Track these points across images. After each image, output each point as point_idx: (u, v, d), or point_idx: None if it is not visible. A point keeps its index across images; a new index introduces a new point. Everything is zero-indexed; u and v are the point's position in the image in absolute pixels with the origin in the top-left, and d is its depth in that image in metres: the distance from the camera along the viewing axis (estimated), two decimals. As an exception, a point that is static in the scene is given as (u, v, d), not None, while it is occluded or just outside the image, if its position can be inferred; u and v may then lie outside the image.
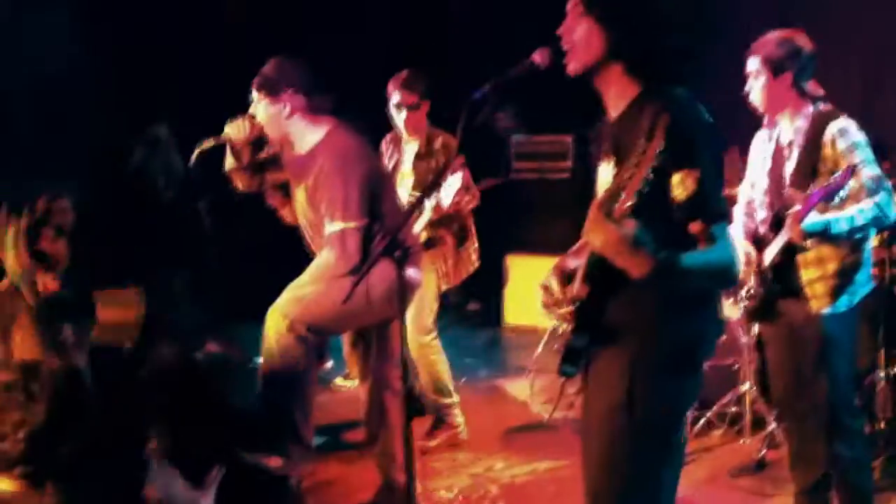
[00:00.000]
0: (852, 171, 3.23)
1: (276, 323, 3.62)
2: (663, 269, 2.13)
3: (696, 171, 2.19)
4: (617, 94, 2.38)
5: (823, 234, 3.31)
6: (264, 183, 3.94)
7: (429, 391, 4.69)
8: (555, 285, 2.48)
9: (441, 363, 4.68)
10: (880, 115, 5.55)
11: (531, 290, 6.61)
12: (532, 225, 7.41)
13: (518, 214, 7.52)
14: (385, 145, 4.84)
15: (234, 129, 3.77)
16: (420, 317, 4.59)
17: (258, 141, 3.85)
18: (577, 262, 2.44)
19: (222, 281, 6.28)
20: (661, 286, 2.21)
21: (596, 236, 2.15)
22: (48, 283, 3.62)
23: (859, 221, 3.30)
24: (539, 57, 2.44)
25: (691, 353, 2.37)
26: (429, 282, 4.56)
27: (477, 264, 4.83)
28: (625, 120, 2.35)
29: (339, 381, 5.66)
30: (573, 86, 2.49)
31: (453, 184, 4.38)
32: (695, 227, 2.23)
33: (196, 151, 3.80)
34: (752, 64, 3.48)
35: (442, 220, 4.55)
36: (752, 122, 3.74)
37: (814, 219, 3.28)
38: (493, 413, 5.30)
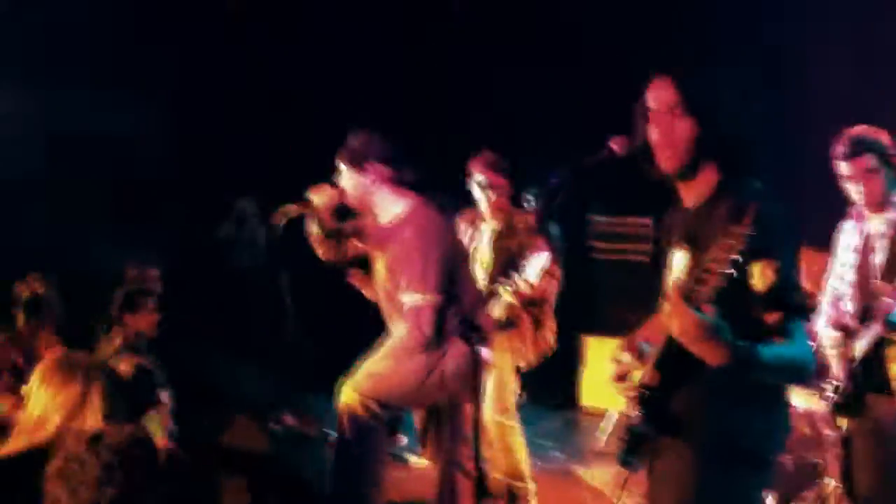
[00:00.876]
0: None
1: (348, 397, 3.65)
2: (741, 359, 2.11)
3: (777, 262, 2.17)
4: (699, 188, 2.40)
5: None
6: (346, 253, 4.01)
7: (506, 474, 4.62)
8: (627, 359, 2.46)
9: (520, 446, 4.62)
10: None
11: (607, 373, 6.54)
12: (610, 307, 7.34)
13: (596, 295, 7.46)
14: (463, 224, 4.88)
15: (319, 196, 3.87)
16: (499, 397, 4.55)
17: (342, 211, 3.93)
18: (646, 342, 2.42)
19: (301, 353, 6.37)
20: (733, 379, 2.18)
21: (675, 321, 2.13)
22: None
23: None
24: (616, 145, 2.48)
25: (760, 450, 2.33)
26: (505, 361, 4.53)
27: (554, 346, 4.79)
28: (703, 210, 2.36)
29: (413, 458, 5.62)
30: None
31: (537, 264, 4.37)
32: (771, 318, 2.21)
33: (281, 217, 3.89)
34: (868, 161, 3.43)
35: (524, 303, 4.53)
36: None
37: None
38: (568, 500, 5.18)
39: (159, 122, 6.74)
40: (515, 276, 4.36)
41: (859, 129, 3.51)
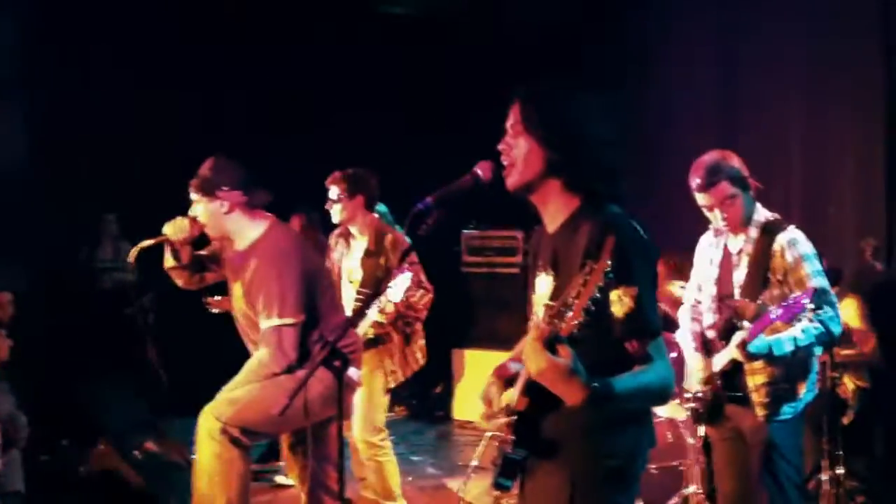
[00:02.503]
0: (812, 292, 3.29)
1: (209, 425, 3.54)
2: (597, 397, 2.16)
3: (634, 288, 2.23)
4: (555, 209, 2.42)
5: (768, 357, 3.37)
6: (205, 280, 3.92)
7: (377, 493, 4.58)
8: (495, 396, 2.48)
9: (390, 465, 4.58)
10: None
11: (479, 386, 6.57)
12: (480, 320, 7.43)
13: (467, 309, 7.52)
14: (334, 239, 4.84)
15: (173, 229, 3.76)
16: (369, 417, 4.51)
17: (197, 240, 3.84)
18: (517, 367, 2.44)
19: (163, 376, 6.18)
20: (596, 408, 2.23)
21: (532, 363, 2.17)
22: None
23: (803, 342, 3.36)
24: (482, 171, 2.49)
25: (628, 467, 2.37)
26: (375, 380, 4.51)
27: (423, 362, 4.78)
28: (563, 234, 2.38)
29: (279, 478, 5.52)
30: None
31: (402, 283, 4.36)
32: (631, 346, 2.26)
33: (134, 251, 3.79)
34: (725, 189, 3.50)
35: (392, 320, 4.52)
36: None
37: (759, 342, 3.34)
38: None
39: (11, 138, 6.46)
40: (382, 296, 4.35)
41: (711, 157, 3.55)
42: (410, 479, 5.41)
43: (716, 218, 3.55)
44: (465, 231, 7.62)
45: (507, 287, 7.28)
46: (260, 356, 3.57)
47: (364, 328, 4.43)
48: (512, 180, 2.40)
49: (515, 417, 2.34)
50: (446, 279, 6.80)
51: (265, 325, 3.53)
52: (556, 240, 2.41)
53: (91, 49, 6.99)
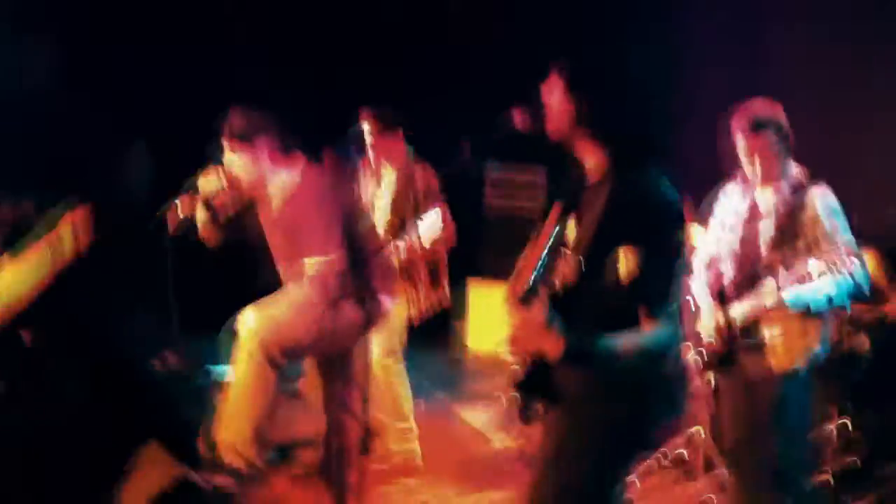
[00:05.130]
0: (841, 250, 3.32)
1: (250, 343, 3.61)
2: (577, 352, 2.25)
3: (639, 249, 2.30)
4: (592, 163, 2.53)
5: (805, 309, 3.39)
6: (239, 232, 3.94)
7: (389, 414, 4.70)
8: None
9: (402, 387, 4.70)
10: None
11: (493, 317, 6.66)
12: (499, 252, 7.46)
13: (485, 242, 7.57)
14: (364, 170, 4.88)
15: (209, 182, 3.79)
16: (388, 340, 4.62)
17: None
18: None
19: (179, 292, 6.23)
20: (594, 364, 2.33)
21: (511, 318, 2.28)
22: None
23: (836, 295, 3.37)
24: (519, 120, 2.57)
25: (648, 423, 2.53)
26: (398, 308, 4.59)
27: (446, 302, 4.86)
28: (591, 191, 2.49)
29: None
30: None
31: (432, 221, 4.41)
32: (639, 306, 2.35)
33: (174, 213, 3.81)
34: (768, 138, 3.52)
35: (419, 253, 4.58)
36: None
37: (795, 294, 3.36)
38: (449, 440, 5.33)
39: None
40: (411, 232, 4.43)
41: (759, 104, 3.58)
42: (422, 404, 5.51)
43: (751, 167, 3.55)
44: (489, 166, 7.64)
45: (528, 223, 7.29)
46: (303, 289, 3.64)
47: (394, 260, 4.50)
48: (554, 134, 2.53)
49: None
50: (468, 212, 6.89)
51: (310, 266, 3.60)
52: (584, 193, 2.52)
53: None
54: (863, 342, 4.82)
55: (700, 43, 6.17)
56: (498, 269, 7.36)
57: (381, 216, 4.73)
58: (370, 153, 4.73)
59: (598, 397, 2.47)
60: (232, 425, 3.63)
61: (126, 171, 7.18)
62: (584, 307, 2.36)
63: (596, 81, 2.53)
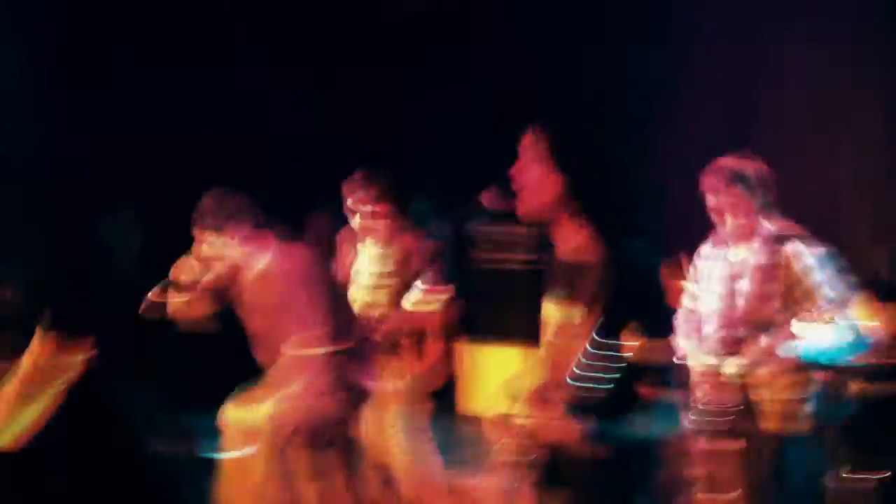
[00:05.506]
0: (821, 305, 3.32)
1: (235, 436, 3.61)
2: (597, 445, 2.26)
3: (641, 325, 2.30)
4: (567, 237, 2.47)
5: (797, 365, 3.40)
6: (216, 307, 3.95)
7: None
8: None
9: (398, 464, 4.62)
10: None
11: (484, 380, 6.60)
12: (488, 314, 7.43)
13: (474, 303, 7.53)
14: (340, 241, 4.86)
15: (183, 272, 3.83)
16: (378, 418, 4.54)
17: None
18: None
19: (175, 370, 6.19)
20: None
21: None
22: None
23: (832, 355, 3.39)
24: (487, 200, 2.55)
25: None
26: (392, 386, 4.55)
27: (440, 365, 4.79)
28: (578, 268, 2.44)
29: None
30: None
31: (418, 289, 4.39)
32: (642, 389, 2.33)
33: (150, 308, 3.85)
34: (738, 194, 3.56)
35: (403, 328, 4.55)
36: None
37: (788, 350, 3.39)
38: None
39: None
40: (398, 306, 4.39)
41: (730, 160, 3.62)
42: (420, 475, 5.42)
43: (723, 223, 3.57)
44: (473, 223, 7.63)
45: (514, 282, 7.30)
46: (286, 375, 3.62)
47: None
48: (524, 205, 2.45)
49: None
50: (453, 273, 6.87)
51: (293, 353, 3.58)
52: (569, 271, 2.48)
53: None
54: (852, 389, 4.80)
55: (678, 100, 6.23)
56: (486, 332, 7.35)
57: (362, 285, 4.69)
58: (353, 221, 4.69)
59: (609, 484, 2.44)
60: None
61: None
62: (594, 395, 2.34)
63: (578, 152, 2.47)
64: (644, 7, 6.43)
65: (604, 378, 2.31)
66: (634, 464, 2.44)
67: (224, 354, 4.50)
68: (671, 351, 2.53)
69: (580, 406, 2.31)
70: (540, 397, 2.34)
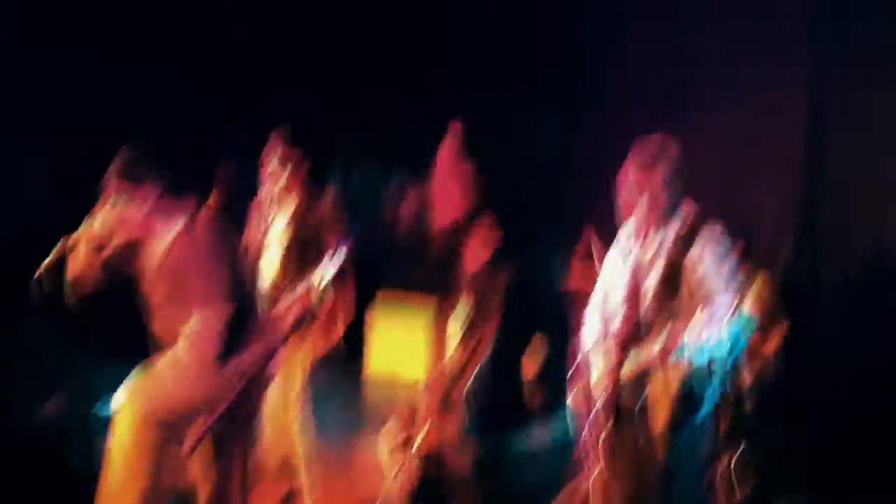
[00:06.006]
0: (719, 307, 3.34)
1: (128, 414, 3.51)
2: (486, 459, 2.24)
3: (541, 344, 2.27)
4: (476, 246, 2.43)
5: (690, 365, 3.42)
6: (113, 276, 3.80)
7: (281, 466, 4.58)
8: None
9: (299, 439, 4.57)
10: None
11: (393, 338, 6.56)
12: (401, 271, 7.37)
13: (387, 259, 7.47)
14: (259, 204, 4.75)
15: (97, 224, 3.69)
16: (284, 389, 4.49)
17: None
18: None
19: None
20: None
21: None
22: None
23: (720, 350, 3.42)
24: (404, 214, 2.49)
25: None
26: (294, 353, 4.48)
27: (341, 332, 4.73)
28: (483, 274, 2.40)
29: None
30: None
31: (331, 267, 4.27)
32: (535, 396, 2.31)
33: (45, 273, 3.69)
34: (664, 173, 3.52)
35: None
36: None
37: (680, 348, 3.42)
38: (348, 480, 5.08)
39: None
40: (307, 280, 4.29)
41: (659, 139, 3.59)
42: (320, 437, 5.38)
43: (641, 204, 3.55)
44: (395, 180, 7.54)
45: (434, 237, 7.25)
46: (181, 355, 3.52)
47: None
48: (440, 218, 2.40)
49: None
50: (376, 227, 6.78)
51: (190, 321, 3.49)
52: (475, 279, 2.44)
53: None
54: (745, 379, 4.92)
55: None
56: (399, 285, 7.31)
57: (278, 248, 4.61)
58: (274, 181, 4.60)
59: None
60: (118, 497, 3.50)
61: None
62: (493, 402, 2.31)
63: (493, 159, 2.41)
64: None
65: (506, 387, 2.29)
66: (530, 472, 2.44)
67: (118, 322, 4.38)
68: (572, 358, 2.49)
69: (478, 415, 2.29)
70: (440, 406, 2.31)
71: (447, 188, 2.42)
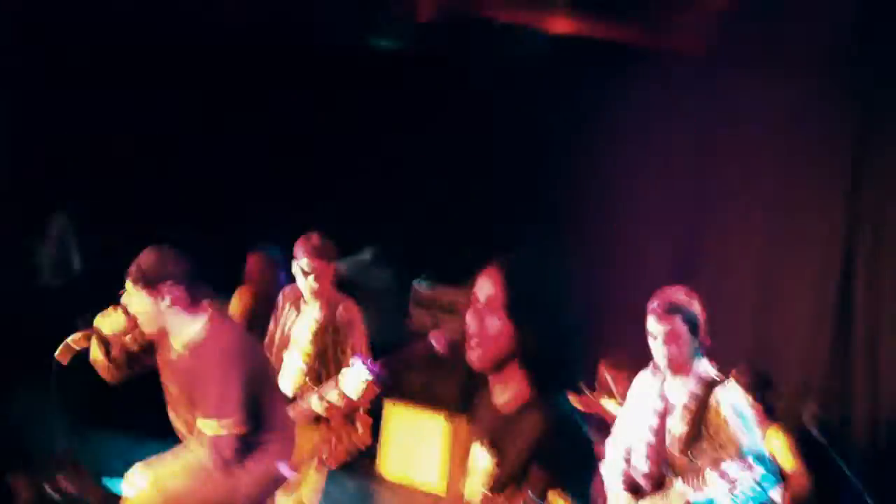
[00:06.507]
0: (747, 460, 3.32)
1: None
2: None
3: (568, 497, 2.24)
4: (508, 387, 2.40)
5: None
6: (132, 374, 3.81)
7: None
8: None
9: None
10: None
11: (408, 443, 6.49)
12: (417, 375, 7.37)
13: (406, 365, 7.46)
14: (283, 298, 4.77)
15: (108, 324, 3.66)
16: (297, 494, 4.44)
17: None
18: None
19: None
20: None
21: None
22: None
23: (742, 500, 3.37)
24: (437, 343, 2.49)
25: None
26: (310, 463, 4.47)
27: (367, 443, 4.69)
28: (510, 419, 2.37)
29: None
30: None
31: (356, 375, 4.17)
32: None
33: (66, 352, 3.68)
34: (677, 325, 3.54)
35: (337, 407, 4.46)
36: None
37: (704, 499, 3.36)
38: None
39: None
40: (331, 387, 4.28)
41: (676, 291, 3.63)
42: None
43: (658, 351, 3.57)
44: (415, 284, 7.59)
45: (451, 345, 7.25)
46: (198, 456, 3.49)
47: (305, 414, 4.39)
48: (478, 356, 2.37)
49: None
50: (389, 330, 6.81)
51: (205, 430, 3.45)
52: (503, 421, 2.41)
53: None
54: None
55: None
56: (416, 395, 7.28)
57: (299, 349, 4.61)
58: (301, 279, 4.59)
59: None
60: None
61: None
62: None
63: (535, 301, 2.40)
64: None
65: None
66: None
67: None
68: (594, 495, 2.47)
69: None
70: None
71: (488, 334, 2.40)
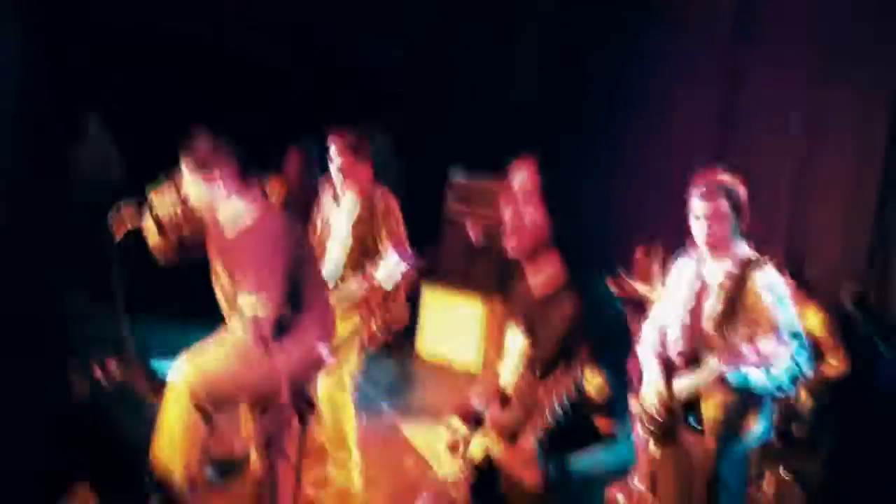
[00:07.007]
0: (781, 338, 3.35)
1: (177, 389, 3.61)
2: (554, 481, 2.25)
3: (602, 373, 2.29)
4: (543, 272, 2.46)
5: (744, 389, 3.44)
6: (186, 255, 3.93)
7: (329, 441, 4.67)
8: (460, 428, 2.57)
9: (347, 421, 4.65)
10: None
11: (446, 325, 6.60)
12: (456, 260, 7.45)
13: (441, 245, 7.55)
14: (324, 189, 4.83)
15: (161, 202, 3.79)
16: (336, 374, 4.56)
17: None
18: (480, 407, 2.54)
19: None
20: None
21: (496, 448, 2.26)
22: None
23: (779, 380, 3.42)
24: (473, 232, 2.54)
25: None
26: (350, 344, 4.57)
27: (405, 320, 4.81)
28: (545, 302, 2.44)
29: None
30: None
31: (393, 267, 4.36)
32: (601, 423, 2.34)
33: (121, 227, 3.81)
34: (722, 205, 3.56)
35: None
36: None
37: (738, 375, 3.42)
38: (388, 465, 5.25)
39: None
40: (370, 274, 4.37)
41: (720, 172, 3.63)
42: (364, 418, 5.48)
43: (701, 231, 3.59)
44: (452, 172, 7.61)
45: (487, 235, 7.29)
46: (239, 338, 3.60)
47: (345, 300, 4.48)
48: (514, 244, 2.44)
49: (475, 472, 2.45)
50: (429, 218, 6.87)
51: (246, 311, 3.54)
52: (538, 305, 2.47)
53: None
54: (804, 402, 4.92)
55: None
56: (454, 278, 7.40)
57: (340, 240, 4.69)
58: (336, 175, 4.67)
59: None
60: (164, 461, 3.63)
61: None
62: (555, 430, 2.35)
63: (566, 190, 2.46)
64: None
65: (567, 412, 2.33)
66: (588, 497, 2.48)
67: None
68: (630, 384, 2.53)
69: (544, 440, 2.33)
70: (508, 431, 2.36)
71: (523, 223, 2.44)
